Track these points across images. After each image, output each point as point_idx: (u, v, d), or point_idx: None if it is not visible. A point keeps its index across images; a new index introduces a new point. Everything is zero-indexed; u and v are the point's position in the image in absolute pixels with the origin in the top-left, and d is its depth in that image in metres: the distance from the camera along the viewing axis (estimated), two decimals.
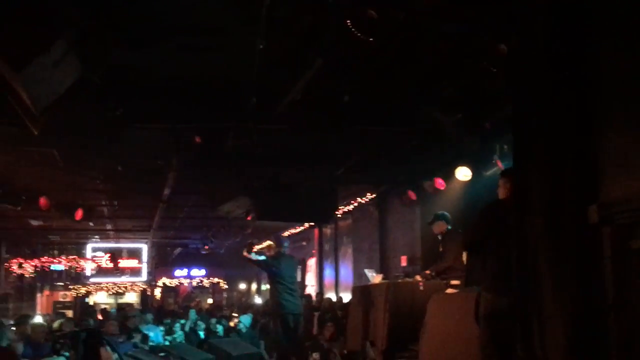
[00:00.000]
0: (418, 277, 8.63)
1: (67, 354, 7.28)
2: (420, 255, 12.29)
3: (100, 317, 16.69)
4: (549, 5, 4.18)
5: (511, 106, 5.30)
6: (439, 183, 10.91)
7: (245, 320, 14.84)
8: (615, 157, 3.81)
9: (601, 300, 3.81)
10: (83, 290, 27.31)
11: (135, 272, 27.40)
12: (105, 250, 26.31)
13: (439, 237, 8.98)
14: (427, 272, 8.68)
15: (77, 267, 26.60)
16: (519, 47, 4.53)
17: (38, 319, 12.90)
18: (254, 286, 31.39)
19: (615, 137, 3.81)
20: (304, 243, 21.33)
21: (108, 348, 6.37)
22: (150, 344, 12.55)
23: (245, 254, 9.74)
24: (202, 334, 15.28)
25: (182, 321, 15.89)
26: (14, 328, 9.96)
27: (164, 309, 23.59)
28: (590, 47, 3.98)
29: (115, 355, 6.42)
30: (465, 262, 8.17)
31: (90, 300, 27.61)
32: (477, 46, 5.95)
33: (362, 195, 14.62)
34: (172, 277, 29.30)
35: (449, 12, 5.58)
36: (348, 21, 5.33)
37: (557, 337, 3.93)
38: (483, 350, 5.20)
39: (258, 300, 25.65)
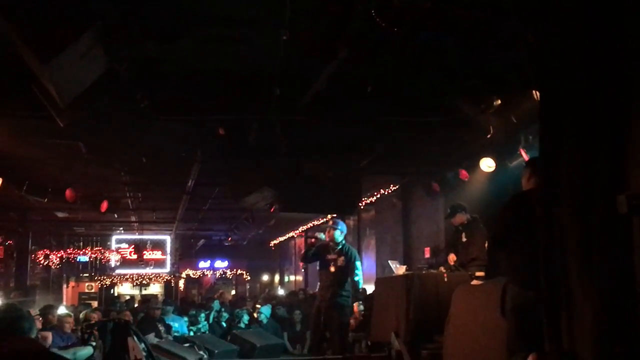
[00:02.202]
0: (442, 269, 8.61)
1: (94, 343, 7.37)
2: (443, 247, 12.25)
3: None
4: None
5: (537, 96, 5.25)
6: (463, 174, 10.85)
7: (266, 311, 14.91)
8: None
9: (631, 291, 3.77)
10: (108, 281, 27.54)
11: (159, 263, 27.53)
12: (130, 242, 26.48)
13: (460, 228, 9.00)
14: (451, 263, 8.68)
15: (102, 259, 26.83)
16: (549, 37, 4.46)
17: (62, 310, 13.04)
18: (277, 277, 31.47)
19: None
20: None
21: (135, 338, 6.42)
22: (175, 334, 12.68)
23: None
24: (225, 324, 15.39)
25: (207, 312, 16.00)
26: (40, 318, 10.09)
27: (187, 300, 23.74)
28: (623, 36, 3.93)
29: (142, 345, 6.47)
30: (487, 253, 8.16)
31: (115, 291, 27.84)
32: (504, 36, 5.90)
33: (386, 187, 14.57)
34: (195, 268, 29.44)
35: (476, 2, 5.54)
36: (373, 11, 5.32)
37: (586, 330, 3.89)
38: (510, 343, 5.16)
39: (281, 291, 25.72)
